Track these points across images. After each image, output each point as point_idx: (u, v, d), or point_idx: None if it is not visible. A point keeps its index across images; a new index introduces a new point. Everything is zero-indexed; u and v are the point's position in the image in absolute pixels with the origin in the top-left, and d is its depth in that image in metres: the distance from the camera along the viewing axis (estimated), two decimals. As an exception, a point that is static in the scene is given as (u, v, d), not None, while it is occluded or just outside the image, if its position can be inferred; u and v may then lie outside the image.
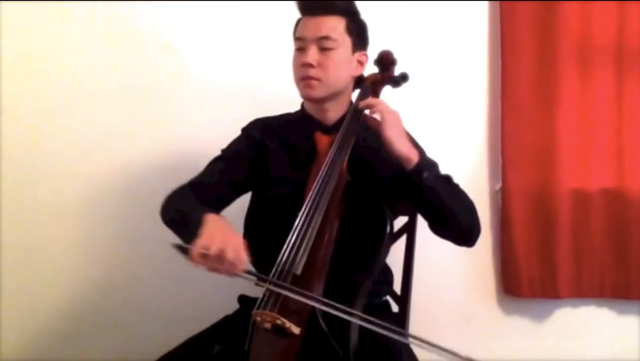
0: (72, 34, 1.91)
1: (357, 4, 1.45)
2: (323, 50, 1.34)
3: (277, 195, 1.36)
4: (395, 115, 1.30)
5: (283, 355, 1.11)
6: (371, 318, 1.10)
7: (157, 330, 1.88)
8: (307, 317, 1.14)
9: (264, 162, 1.43)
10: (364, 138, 1.36)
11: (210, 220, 1.13)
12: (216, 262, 1.06)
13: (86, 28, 1.91)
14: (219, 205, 1.39)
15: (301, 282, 1.14)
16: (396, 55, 1.48)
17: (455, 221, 1.32)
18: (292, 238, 1.18)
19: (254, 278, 1.14)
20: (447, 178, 1.37)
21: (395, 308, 1.61)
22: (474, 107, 2.04)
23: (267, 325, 1.12)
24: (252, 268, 1.20)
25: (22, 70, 1.89)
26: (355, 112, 1.37)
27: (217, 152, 1.50)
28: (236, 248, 1.07)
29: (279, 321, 1.11)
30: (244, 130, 1.51)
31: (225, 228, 1.12)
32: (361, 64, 1.43)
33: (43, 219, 1.90)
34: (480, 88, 2.04)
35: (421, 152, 1.38)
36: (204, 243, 1.06)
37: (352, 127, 1.34)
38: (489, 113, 2.04)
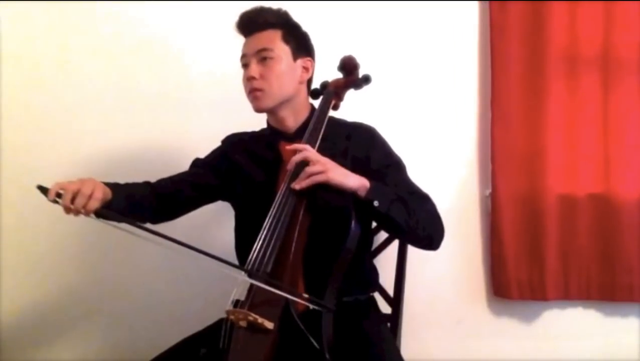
0: (75, 40, 1.94)
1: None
2: (263, 60, 1.39)
3: (249, 202, 1.42)
4: (325, 162, 1.27)
5: (260, 350, 1.13)
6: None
7: (152, 332, 1.91)
8: (280, 312, 1.16)
9: (233, 172, 1.50)
10: (326, 144, 1.39)
11: None
12: (72, 198, 1.16)
13: (89, 33, 1.94)
14: (177, 198, 1.49)
15: (273, 280, 1.17)
16: (359, 60, 1.49)
17: (414, 236, 1.36)
18: (260, 237, 1.23)
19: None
20: (400, 200, 1.32)
21: (388, 309, 1.65)
22: (464, 115, 2.07)
23: (242, 323, 1.15)
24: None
25: (24, 74, 1.92)
26: (320, 116, 1.42)
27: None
28: (92, 186, 1.19)
29: (251, 318, 1.13)
30: (222, 142, 1.59)
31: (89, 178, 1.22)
32: (307, 69, 1.46)
33: (42, 221, 1.93)
34: (471, 97, 2.07)
35: (393, 166, 1.43)
36: (63, 183, 1.18)
37: (314, 134, 1.38)
38: (479, 121, 2.07)
